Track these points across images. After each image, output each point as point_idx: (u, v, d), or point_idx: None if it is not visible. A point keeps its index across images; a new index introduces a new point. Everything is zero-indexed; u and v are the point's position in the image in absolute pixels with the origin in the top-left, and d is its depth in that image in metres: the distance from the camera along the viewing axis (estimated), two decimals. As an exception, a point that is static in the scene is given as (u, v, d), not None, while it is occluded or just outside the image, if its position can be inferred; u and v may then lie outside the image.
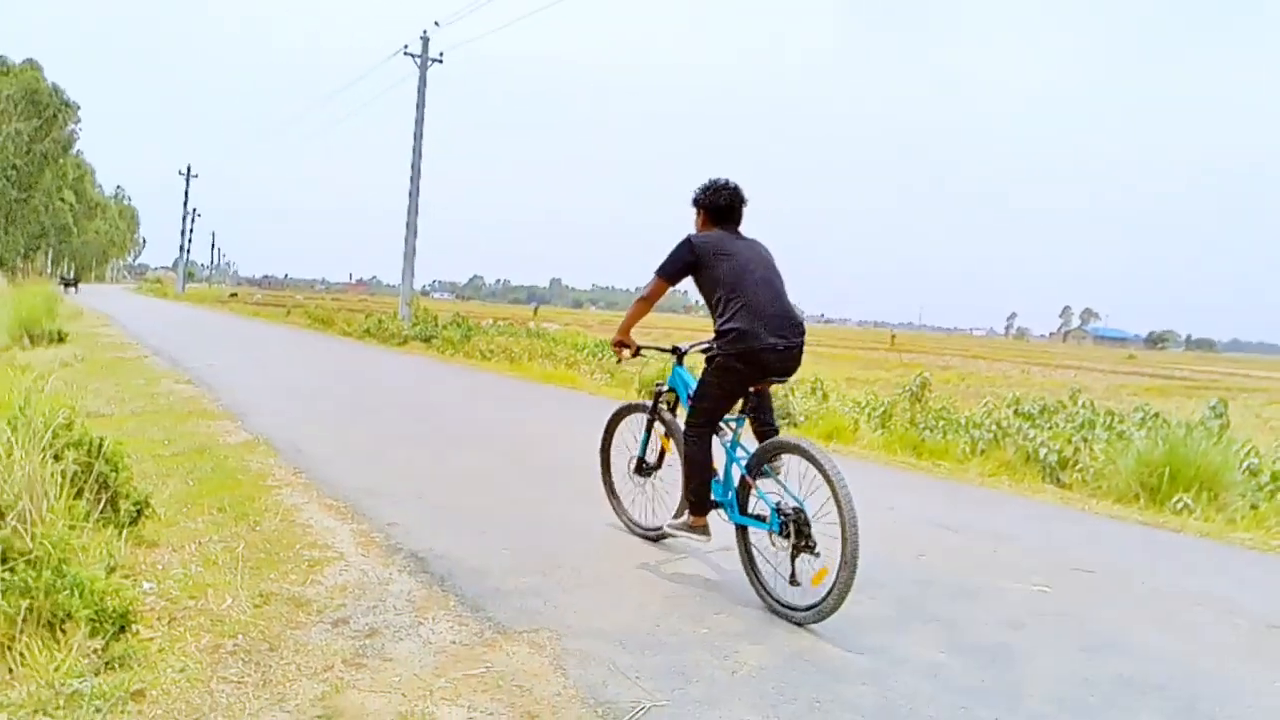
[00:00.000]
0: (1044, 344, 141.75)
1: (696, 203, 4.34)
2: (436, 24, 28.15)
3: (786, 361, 3.90)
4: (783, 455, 3.87)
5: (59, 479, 3.86)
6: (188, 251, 70.03)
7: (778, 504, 3.75)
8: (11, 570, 3.22)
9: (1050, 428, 9.31)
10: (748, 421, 4.17)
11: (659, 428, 4.67)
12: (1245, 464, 7.51)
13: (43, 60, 53.99)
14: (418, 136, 27.92)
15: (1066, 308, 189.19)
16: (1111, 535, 5.74)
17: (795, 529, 3.67)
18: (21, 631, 3.13)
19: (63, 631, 3.20)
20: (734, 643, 3.41)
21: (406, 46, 28.36)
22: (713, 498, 4.10)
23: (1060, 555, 5.03)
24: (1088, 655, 3.54)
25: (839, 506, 3.50)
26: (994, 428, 9.72)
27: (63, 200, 59.51)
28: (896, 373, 30.81)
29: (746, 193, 4.27)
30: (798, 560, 3.67)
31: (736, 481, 4.01)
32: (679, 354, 4.62)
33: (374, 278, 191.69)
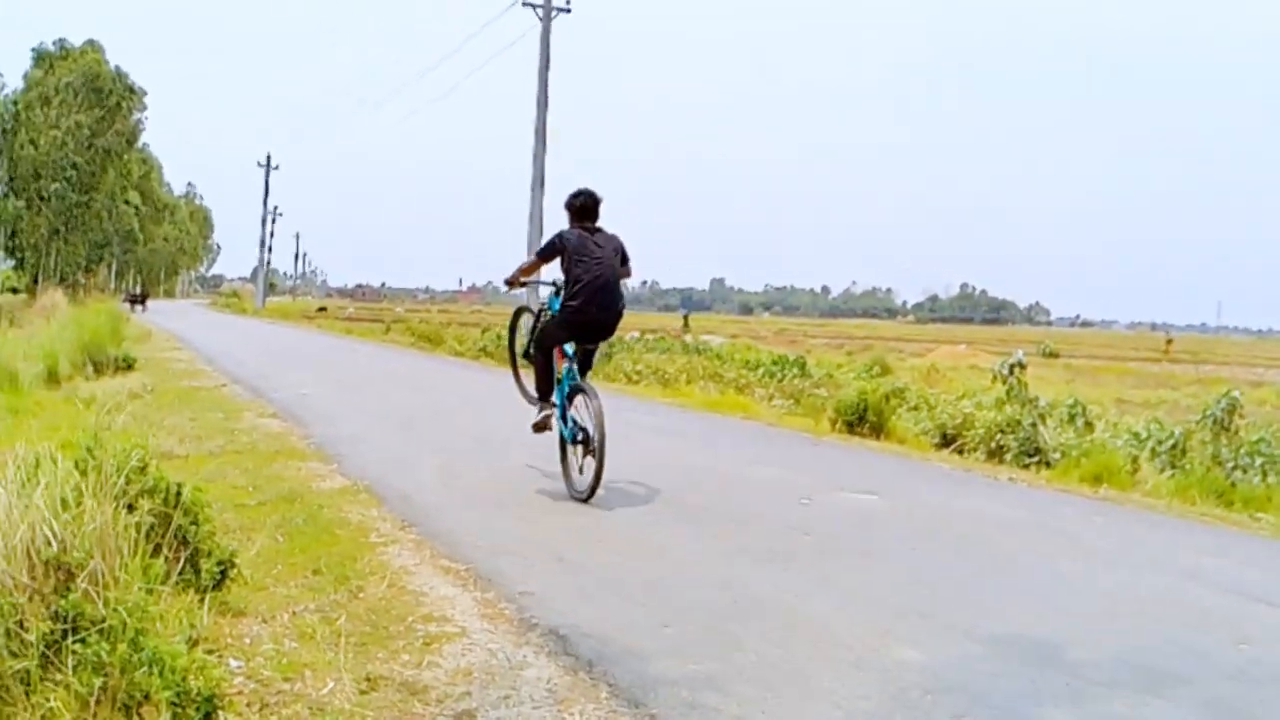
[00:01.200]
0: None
1: (566, 206, 7.46)
2: (564, -40, 28.82)
3: (604, 330, 7.39)
4: (581, 393, 7.17)
5: (133, 533, 4.14)
6: (268, 258, 74.89)
7: (574, 422, 7.10)
8: (83, 641, 3.48)
9: None
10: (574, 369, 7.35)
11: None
12: None
13: (103, 39, 58.97)
14: (541, 107, 28.74)
15: None
16: None
17: (584, 439, 6.97)
18: (94, 715, 3.38)
19: (139, 715, 3.44)
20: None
21: (526, -7, 29.23)
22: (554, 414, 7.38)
23: None
24: None
25: (595, 421, 6.77)
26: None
27: (127, 202, 64.89)
28: (1188, 391, 29.13)
29: (602, 195, 7.41)
30: (585, 460, 6.98)
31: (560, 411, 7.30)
32: (557, 288, 7.42)
33: (489, 284, 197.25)
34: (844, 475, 8.57)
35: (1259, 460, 9.70)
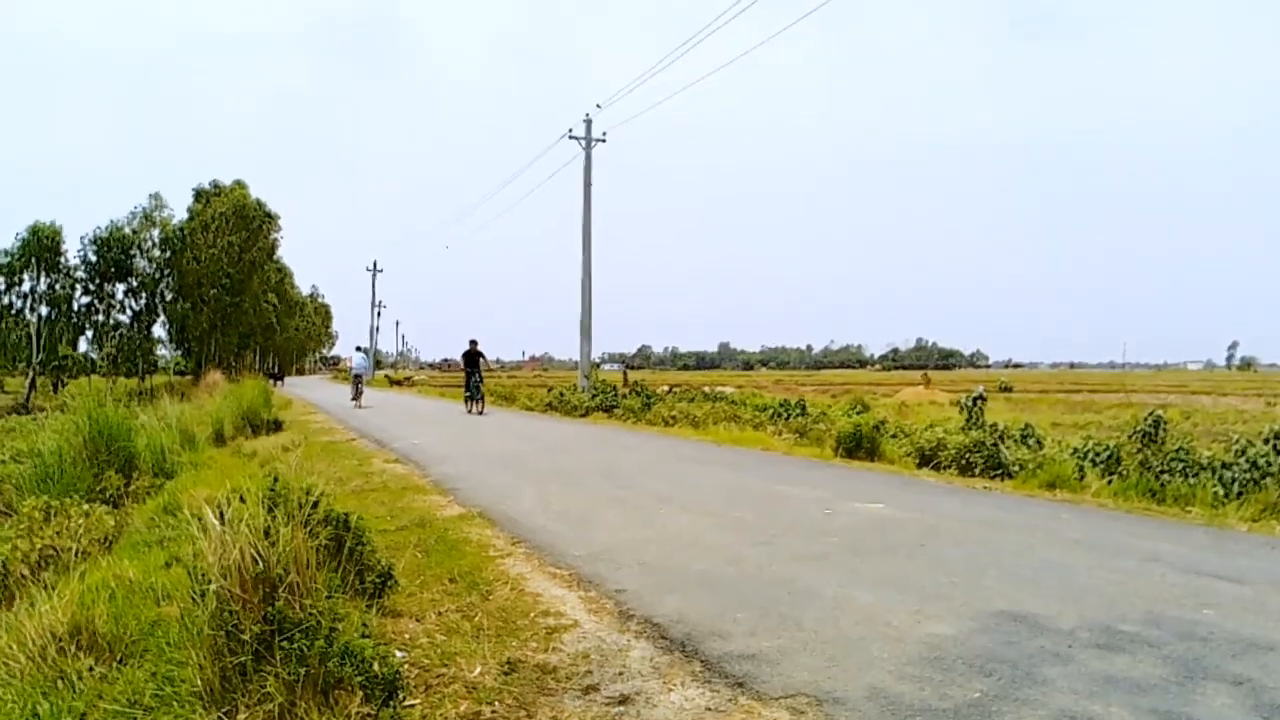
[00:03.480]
0: (1277, 373, 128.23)
1: (469, 341, 23.65)
2: (598, 106, 29.65)
3: (472, 369, 23.20)
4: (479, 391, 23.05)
5: (316, 553, 4.12)
6: (375, 341, 75.64)
7: (477, 398, 22.96)
8: (289, 639, 3.46)
9: (1318, 464, 8.30)
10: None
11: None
12: None
13: (247, 177, 60.24)
14: (587, 213, 28.99)
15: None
16: None
17: (478, 398, 22.96)
18: (300, 697, 3.34)
19: (335, 697, 3.40)
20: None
21: (570, 130, 29.68)
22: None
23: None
24: None
25: (481, 397, 23.10)
26: (1248, 467, 8.80)
27: (267, 302, 65.76)
28: (1109, 414, 28.68)
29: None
30: (476, 407, 22.76)
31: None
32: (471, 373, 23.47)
33: (545, 354, 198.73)
34: (853, 490, 8.44)
35: (1180, 465, 9.48)
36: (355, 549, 4.61)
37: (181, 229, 54.50)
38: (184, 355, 59.47)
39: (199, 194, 56.53)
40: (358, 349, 30.60)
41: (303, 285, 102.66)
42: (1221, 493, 8.58)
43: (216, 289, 55.02)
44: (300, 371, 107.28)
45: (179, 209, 56.35)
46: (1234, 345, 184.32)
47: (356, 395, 27.65)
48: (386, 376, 68.24)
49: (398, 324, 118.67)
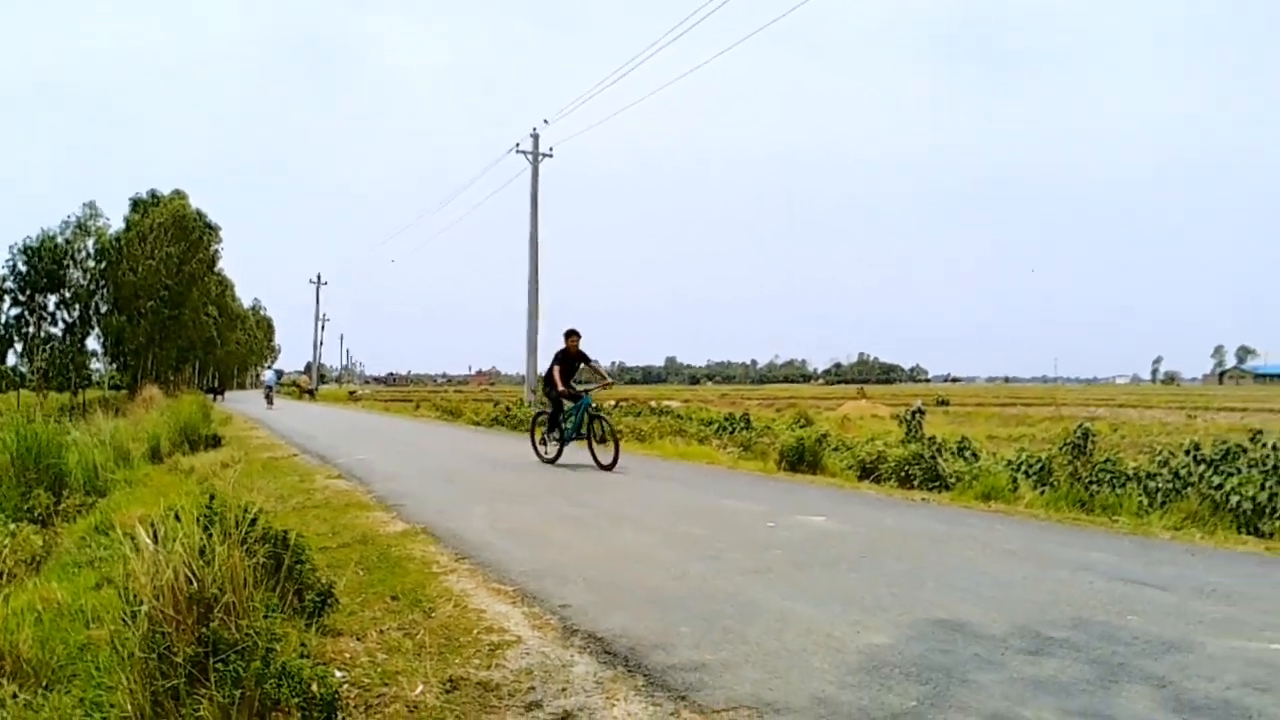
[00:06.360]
0: (1198, 387, 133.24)
1: (565, 334, 11.95)
2: (546, 121, 29.88)
3: (573, 373, 12.16)
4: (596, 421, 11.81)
5: (253, 572, 4.03)
6: (319, 355, 74.36)
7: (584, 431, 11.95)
8: (224, 661, 3.37)
9: (1236, 474, 8.61)
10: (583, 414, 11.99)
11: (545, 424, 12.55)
12: None
13: (188, 188, 59.08)
14: (534, 226, 28.97)
15: (1219, 347, 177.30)
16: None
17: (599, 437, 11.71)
18: (235, 721, 3.25)
19: (272, 719, 3.32)
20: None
21: (518, 144, 29.65)
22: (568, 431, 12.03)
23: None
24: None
25: (608, 431, 11.58)
26: (1171, 477, 9.09)
27: (207, 315, 64.22)
28: (1041, 427, 29.47)
29: (587, 327, 13.43)
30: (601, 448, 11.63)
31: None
32: (578, 395, 11.92)
33: (493, 368, 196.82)
34: (796, 503, 8.51)
35: (1107, 476, 9.76)
36: (294, 567, 4.51)
37: (118, 239, 53.07)
38: (120, 369, 57.73)
39: (136, 204, 55.22)
40: (268, 368, 46.39)
41: (245, 298, 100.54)
42: (1146, 502, 8.86)
43: (154, 301, 53.63)
44: (242, 386, 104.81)
45: (115, 219, 54.90)
46: (1158, 360, 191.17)
47: (269, 401, 37.68)
48: (296, 385, 68.29)
49: (342, 338, 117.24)
